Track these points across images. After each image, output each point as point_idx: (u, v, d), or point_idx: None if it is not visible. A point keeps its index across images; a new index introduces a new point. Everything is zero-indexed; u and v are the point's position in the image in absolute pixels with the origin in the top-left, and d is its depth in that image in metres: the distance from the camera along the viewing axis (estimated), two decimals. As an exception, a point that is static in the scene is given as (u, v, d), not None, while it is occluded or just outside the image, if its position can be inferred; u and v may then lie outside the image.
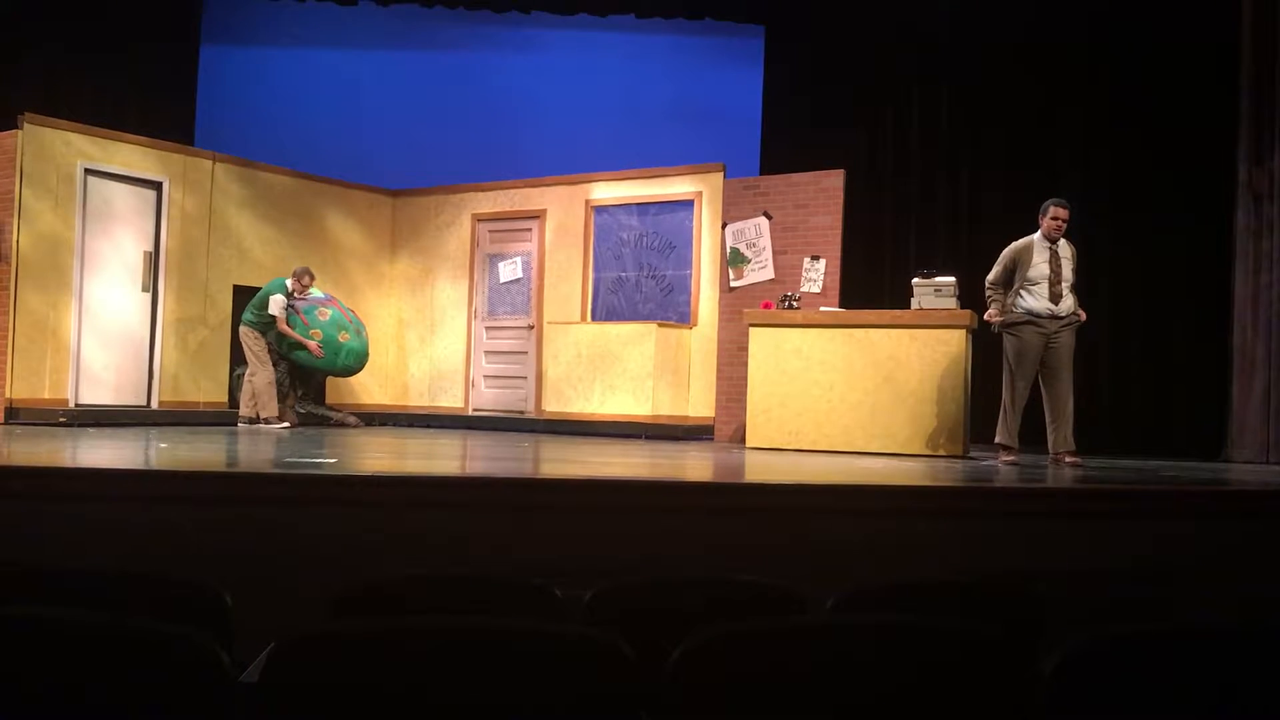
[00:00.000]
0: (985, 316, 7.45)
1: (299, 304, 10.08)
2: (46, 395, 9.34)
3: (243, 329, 9.90)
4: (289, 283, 9.95)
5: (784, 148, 11.31)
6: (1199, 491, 5.61)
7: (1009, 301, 7.27)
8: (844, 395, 8.24)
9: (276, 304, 9.79)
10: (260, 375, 9.76)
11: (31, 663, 1.81)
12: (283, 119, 12.35)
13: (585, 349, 10.47)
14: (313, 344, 9.98)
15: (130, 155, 10.00)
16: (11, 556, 3.88)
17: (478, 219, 11.88)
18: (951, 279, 8.20)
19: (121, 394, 9.91)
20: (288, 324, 9.88)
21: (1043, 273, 7.14)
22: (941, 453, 7.88)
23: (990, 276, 7.40)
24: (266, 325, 9.88)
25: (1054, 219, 7.19)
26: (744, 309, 9.21)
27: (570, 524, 4.50)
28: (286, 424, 9.77)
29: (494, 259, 11.77)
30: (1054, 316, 7.13)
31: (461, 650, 1.82)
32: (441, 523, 4.42)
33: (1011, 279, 7.26)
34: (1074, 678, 1.82)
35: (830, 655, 1.90)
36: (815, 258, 9.52)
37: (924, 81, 10.94)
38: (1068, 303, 7.16)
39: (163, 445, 6.82)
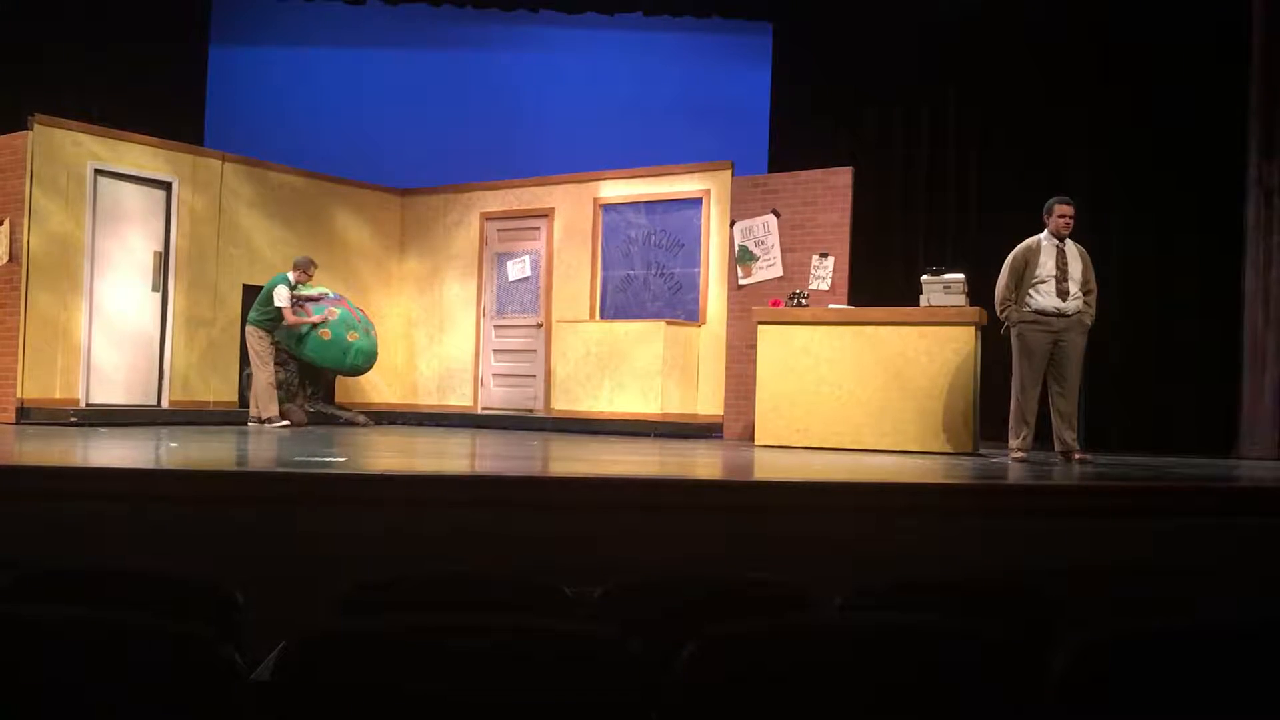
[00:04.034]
0: (1003, 330, 7.34)
1: (309, 305, 10.10)
2: (57, 395, 9.37)
3: (248, 328, 9.90)
4: (292, 275, 9.93)
5: (792, 145, 11.31)
6: (1209, 488, 5.59)
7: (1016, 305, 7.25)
8: (853, 392, 8.23)
9: (281, 296, 9.76)
10: (260, 376, 9.74)
11: (41, 661, 1.82)
12: (291, 119, 12.37)
13: (594, 347, 10.48)
14: (318, 316, 9.96)
15: (140, 155, 10.03)
16: (23, 556, 3.90)
17: (486, 218, 11.89)
18: (960, 276, 8.19)
19: (132, 393, 9.95)
20: (278, 317, 9.84)
21: (1050, 271, 7.13)
22: (950, 450, 7.87)
23: (1001, 289, 7.28)
24: (273, 323, 9.87)
25: (1061, 216, 7.19)
26: (752, 307, 9.21)
27: (579, 523, 4.50)
28: (286, 423, 9.73)
29: (502, 257, 11.78)
30: (1061, 314, 7.11)
31: (471, 649, 1.82)
32: (451, 521, 4.43)
33: (1019, 285, 7.21)
34: (1084, 676, 1.82)
35: (839, 654, 1.90)
36: (824, 255, 9.51)
37: (932, 79, 10.92)
38: (1074, 301, 7.14)
39: (173, 445, 6.84)
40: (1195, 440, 9.15)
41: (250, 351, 9.84)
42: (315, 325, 10.13)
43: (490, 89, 12.79)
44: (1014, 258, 7.27)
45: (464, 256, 11.95)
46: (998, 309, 7.33)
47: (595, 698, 1.82)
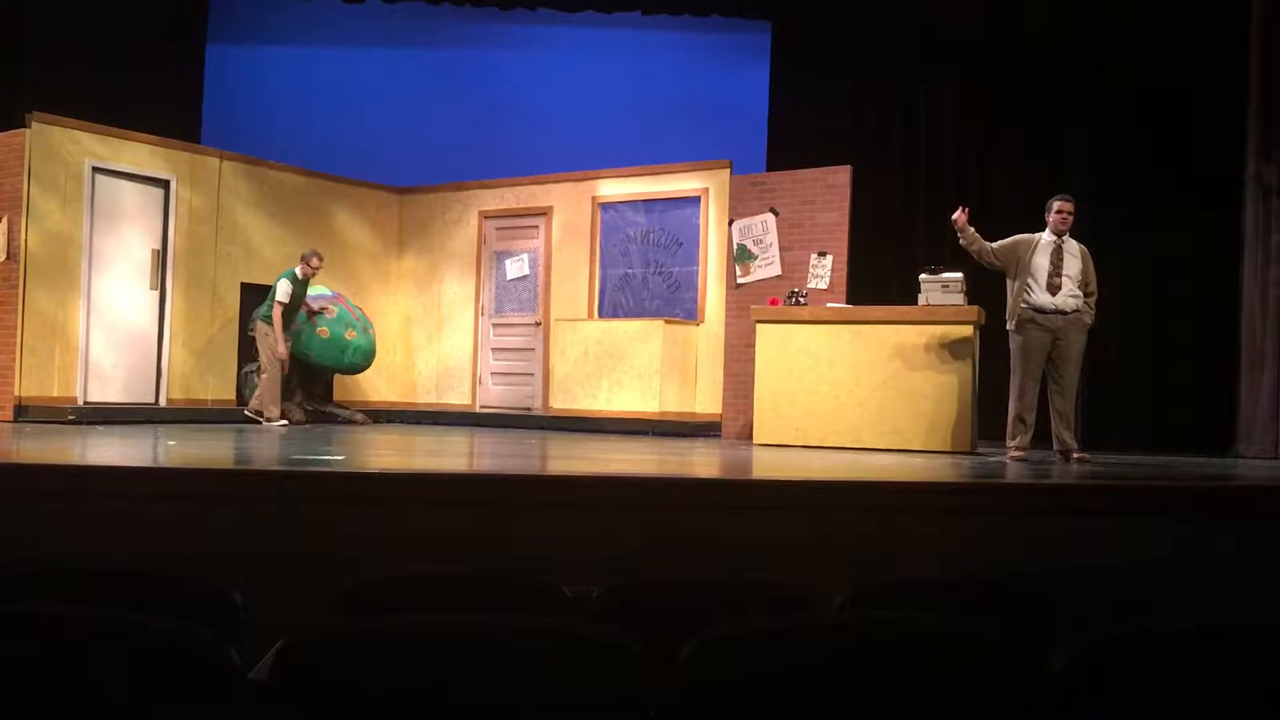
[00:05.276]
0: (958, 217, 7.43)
1: (314, 315, 10.10)
2: (55, 393, 9.36)
3: (257, 324, 9.90)
4: (298, 269, 9.90)
5: (791, 144, 11.30)
6: (1207, 488, 5.59)
7: (1013, 301, 7.26)
8: (851, 391, 8.23)
9: (282, 289, 9.72)
10: (269, 373, 9.74)
11: (38, 660, 1.81)
12: (290, 117, 12.36)
13: (592, 346, 10.48)
14: (283, 349, 9.68)
15: (138, 154, 10.02)
16: (21, 554, 3.89)
17: (484, 216, 11.89)
18: (959, 275, 8.19)
19: (130, 392, 9.94)
20: (284, 316, 9.71)
21: (1042, 265, 7.18)
22: (949, 449, 7.87)
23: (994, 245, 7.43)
24: (286, 321, 9.83)
25: (1059, 213, 7.24)
26: (751, 305, 9.21)
27: (578, 521, 4.50)
28: (285, 422, 9.71)
29: (501, 256, 11.77)
30: (1058, 311, 7.12)
31: (470, 649, 1.82)
32: (449, 520, 4.43)
33: (1008, 260, 7.27)
34: (1083, 676, 1.82)
35: (838, 654, 1.90)
36: (822, 254, 9.51)
37: (931, 77, 10.92)
38: (1070, 299, 7.14)
39: (171, 443, 6.83)
40: (1193, 440, 9.14)
41: (262, 348, 9.81)
42: (313, 325, 10.14)
43: (488, 87, 12.78)
44: (1013, 238, 7.32)
45: (462, 255, 11.95)
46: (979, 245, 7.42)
47: (595, 697, 1.82)
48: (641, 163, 11.06)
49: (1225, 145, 9.10)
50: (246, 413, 9.78)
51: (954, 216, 7.43)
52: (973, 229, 7.42)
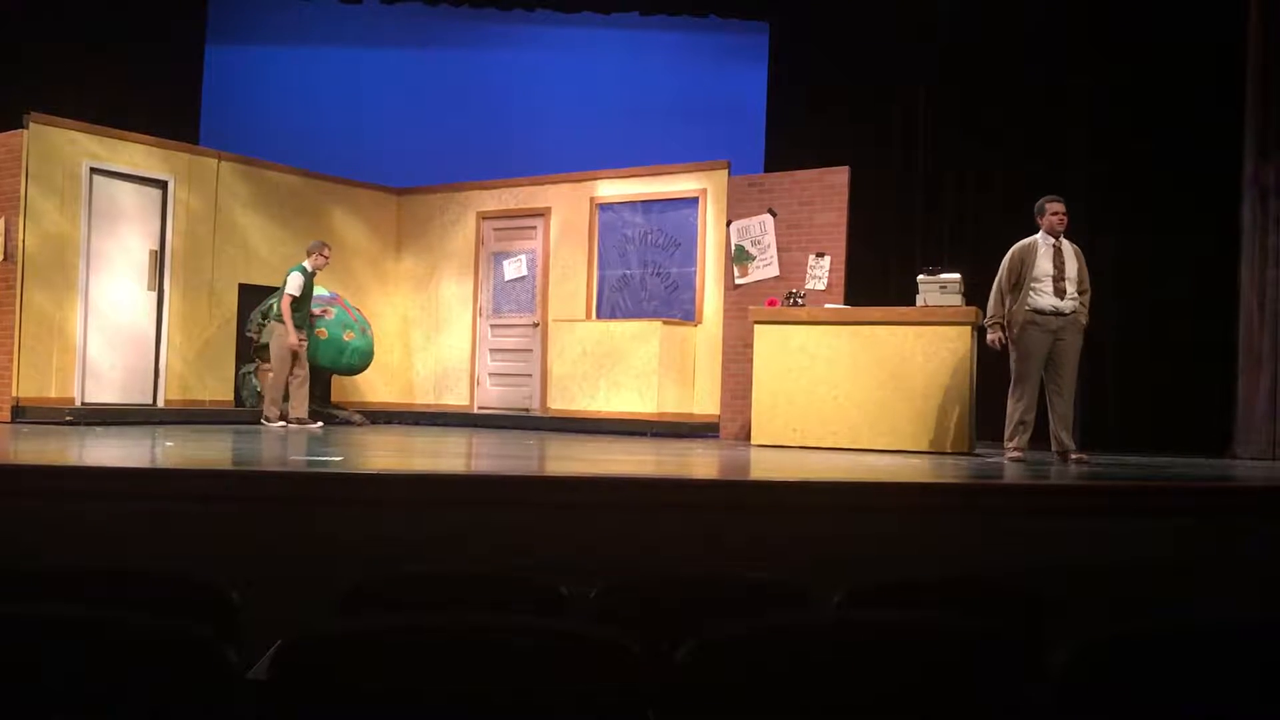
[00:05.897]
0: (989, 341, 7.33)
1: (314, 316, 10.08)
2: (53, 394, 9.35)
3: (272, 325, 9.88)
4: (308, 262, 9.84)
5: (789, 145, 11.31)
6: (1204, 488, 5.60)
7: (1013, 306, 7.21)
8: (849, 392, 8.23)
9: (292, 282, 9.63)
10: (275, 374, 9.68)
11: (36, 659, 1.81)
12: (288, 118, 12.36)
13: (590, 347, 10.47)
14: (294, 339, 9.71)
15: (136, 154, 10.01)
16: (19, 555, 3.89)
17: (482, 217, 11.88)
18: (956, 276, 8.19)
19: (128, 393, 9.93)
20: (295, 308, 9.63)
21: (1046, 270, 7.13)
22: (947, 450, 7.86)
23: (994, 293, 7.29)
24: (300, 320, 9.78)
25: (1054, 214, 7.19)
26: (749, 306, 9.21)
27: (576, 521, 4.50)
28: (283, 424, 9.68)
29: (499, 257, 11.77)
30: (1058, 313, 7.11)
31: (468, 648, 1.82)
32: (447, 520, 4.43)
33: (1018, 285, 7.21)
34: (1083, 676, 1.82)
35: (836, 653, 1.90)
36: (820, 255, 9.51)
37: (929, 78, 10.92)
38: (1069, 301, 7.14)
39: (169, 444, 6.83)
40: (1191, 440, 9.13)
41: (272, 348, 9.75)
42: (311, 325, 10.12)
43: (487, 88, 12.78)
44: (1010, 258, 7.28)
45: (460, 256, 11.94)
46: (987, 316, 7.33)
47: (593, 697, 1.82)
48: (639, 163, 11.06)
49: (1223, 146, 9.10)
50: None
51: (989, 340, 7.32)
52: (995, 324, 7.25)
